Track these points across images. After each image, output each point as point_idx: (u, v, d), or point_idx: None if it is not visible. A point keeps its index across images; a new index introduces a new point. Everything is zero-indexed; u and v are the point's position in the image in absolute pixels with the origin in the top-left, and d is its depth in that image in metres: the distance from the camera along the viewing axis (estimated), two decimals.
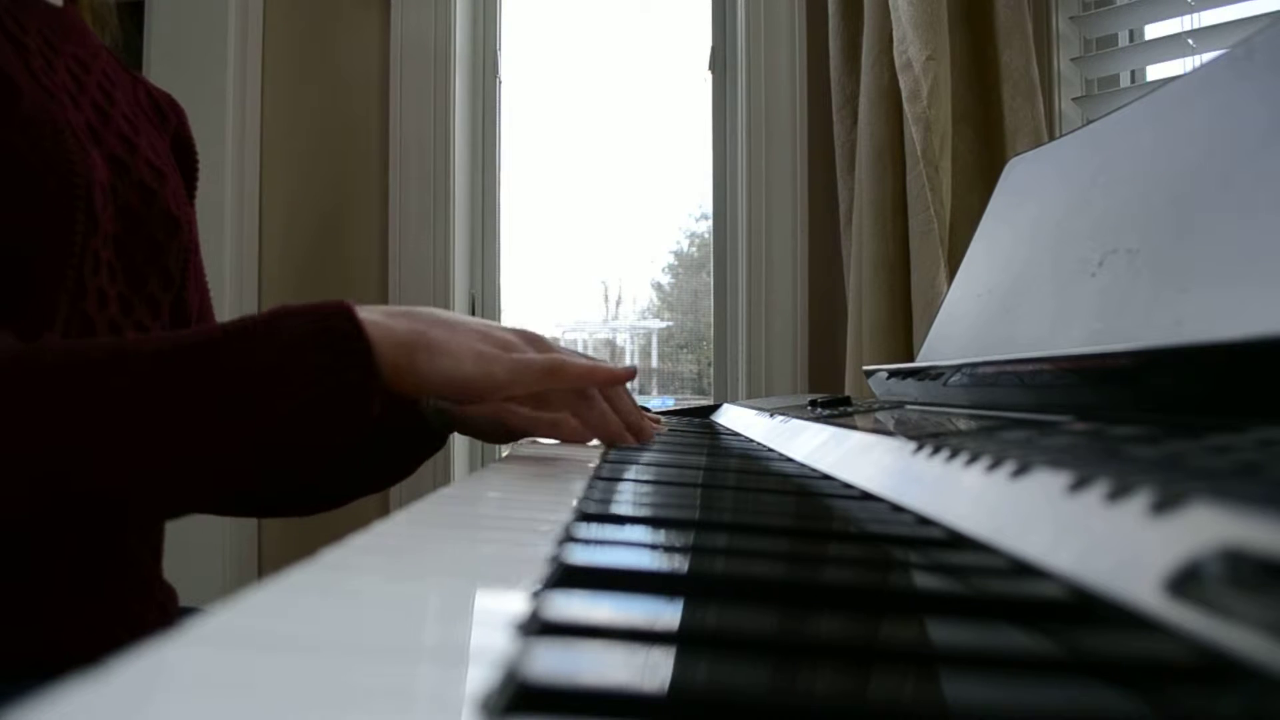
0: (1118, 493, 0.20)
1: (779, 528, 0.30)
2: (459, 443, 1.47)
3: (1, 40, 0.54)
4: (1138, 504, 0.19)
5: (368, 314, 0.44)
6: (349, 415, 0.43)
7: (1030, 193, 0.63)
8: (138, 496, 0.41)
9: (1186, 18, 1.16)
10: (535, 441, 0.77)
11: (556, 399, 0.56)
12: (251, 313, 0.45)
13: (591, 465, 0.49)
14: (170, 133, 0.72)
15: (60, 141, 0.52)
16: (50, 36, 0.59)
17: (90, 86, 0.61)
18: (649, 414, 0.80)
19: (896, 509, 0.32)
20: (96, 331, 0.55)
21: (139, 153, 0.62)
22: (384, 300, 1.47)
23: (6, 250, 0.50)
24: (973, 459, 0.29)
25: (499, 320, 1.59)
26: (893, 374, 0.69)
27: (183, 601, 0.67)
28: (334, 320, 0.43)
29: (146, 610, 0.60)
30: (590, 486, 0.37)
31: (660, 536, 0.26)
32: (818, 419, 0.58)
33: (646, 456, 0.52)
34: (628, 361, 2.07)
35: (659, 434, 0.72)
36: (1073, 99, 1.26)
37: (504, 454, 0.60)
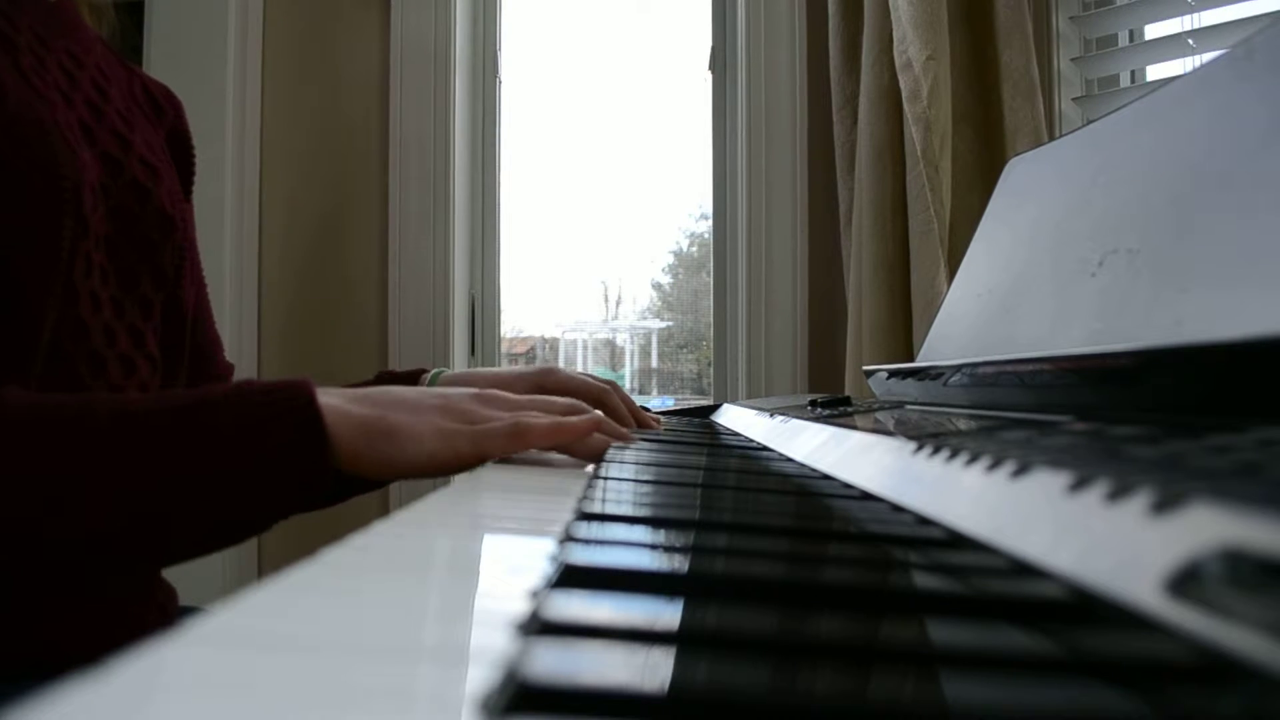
0: (1118, 493, 0.20)
1: (779, 528, 0.30)
2: None
3: None
4: (1138, 504, 0.19)
5: (327, 398, 0.45)
6: (297, 496, 0.44)
7: (1030, 193, 0.63)
8: (88, 555, 0.41)
9: (1186, 18, 1.16)
10: None
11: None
12: (214, 384, 0.45)
13: (591, 465, 0.49)
14: (167, 126, 0.72)
15: (47, 143, 0.52)
16: (42, 32, 0.59)
17: (84, 83, 0.60)
18: (650, 414, 0.80)
19: (896, 509, 0.32)
20: (90, 336, 0.55)
21: (133, 150, 0.61)
22: (384, 301, 1.47)
23: None
24: (973, 459, 0.29)
25: (498, 322, 1.59)
26: (893, 374, 0.69)
27: (183, 601, 0.66)
28: (294, 404, 0.43)
29: (147, 610, 0.60)
30: (590, 486, 0.37)
31: (660, 536, 0.26)
32: (818, 419, 0.58)
33: (647, 457, 0.52)
34: (628, 362, 2.07)
35: (658, 434, 0.72)
36: (1073, 99, 1.26)
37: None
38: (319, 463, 0.43)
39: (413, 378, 0.78)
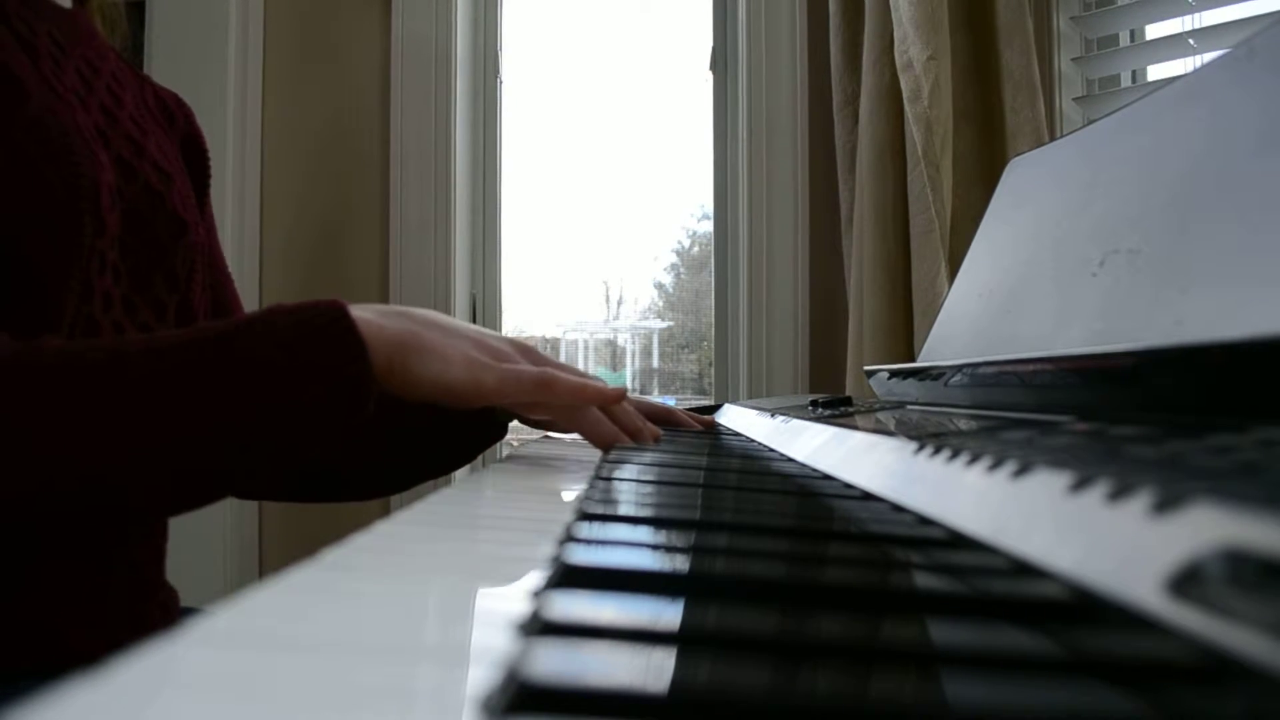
0: (1119, 493, 0.20)
1: (780, 528, 0.30)
2: None
3: (10, 42, 0.54)
4: (1139, 504, 0.19)
5: (360, 312, 0.45)
6: (343, 411, 0.43)
7: (1031, 193, 0.63)
8: (138, 495, 0.41)
9: (1187, 18, 1.16)
10: (548, 437, 0.78)
11: (548, 407, 0.56)
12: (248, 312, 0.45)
13: (592, 465, 0.49)
14: (179, 134, 0.73)
15: (67, 144, 0.53)
16: (59, 38, 0.60)
17: (99, 89, 0.61)
18: (661, 407, 0.81)
19: (897, 509, 0.32)
20: (101, 333, 0.55)
21: (146, 155, 0.62)
22: (385, 301, 1.47)
23: (14, 252, 0.50)
24: (974, 459, 0.29)
25: (500, 322, 1.59)
26: (894, 374, 0.69)
27: (184, 602, 0.67)
28: (328, 318, 0.43)
29: (149, 611, 0.60)
30: (591, 486, 0.37)
31: (661, 536, 0.26)
32: (819, 419, 0.58)
33: (648, 456, 0.52)
34: (629, 362, 2.07)
35: (667, 436, 0.72)
36: (1073, 99, 1.26)
37: (504, 455, 0.60)
38: (361, 376, 0.43)
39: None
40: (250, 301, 1.46)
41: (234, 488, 0.45)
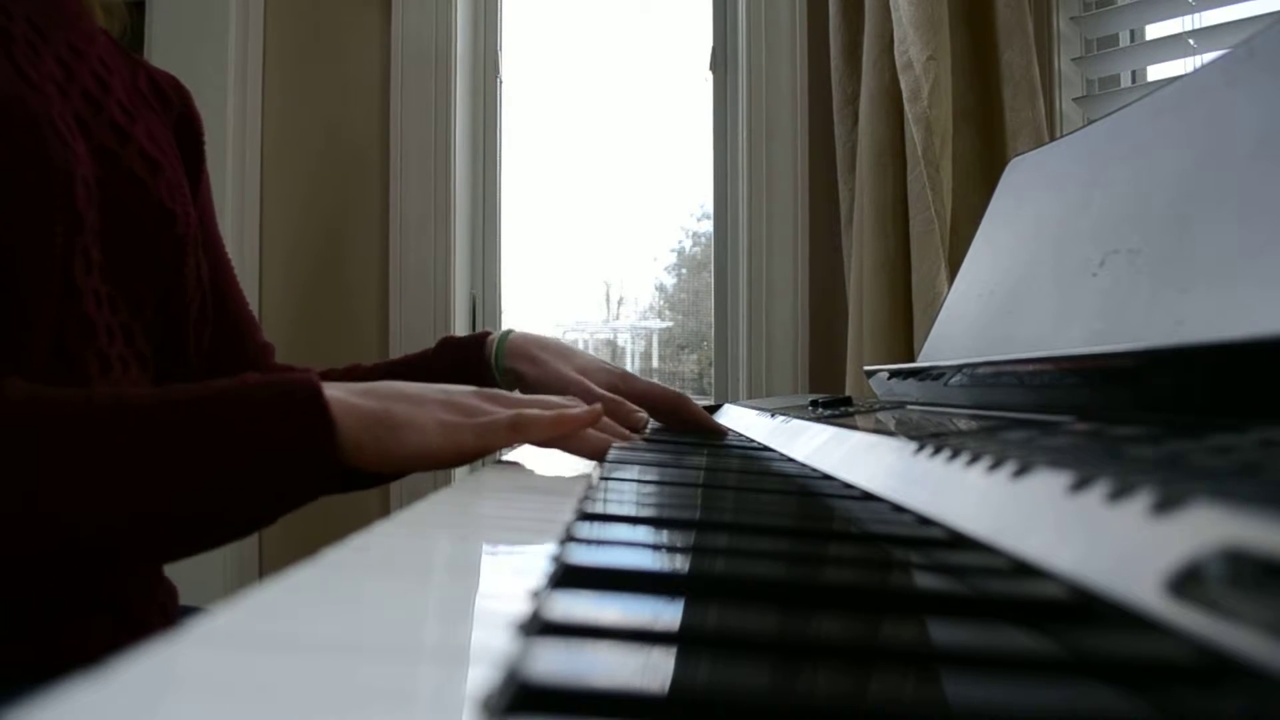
0: (1119, 493, 0.20)
1: (780, 528, 0.30)
2: None
3: None
4: (1139, 504, 0.19)
5: (333, 392, 0.45)
6: (307, 491, 0.44)
7: (1031, 193, 0.63)
8: (92, 551, 0.41)
9: (1187, 18, 1.16)
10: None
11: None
12: (220, 380, 0.45)
13: (594, 465, 0.49)
14: (174, 116, 0.71)
15: (37, 134, 0.51)
16: (40, 23, 0.58)
17: (82, 74, 0.59)
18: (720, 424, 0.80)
19: (898, 509, 0.32)
20: (97, 334, 0.55)
21: (132, 142, 0.60)
22: (385, 301, 1.47)
23: None
24: (974, 459, 0.29)
25: (499, 322, 1.59)
26: (894, 374, 0.69)
27: (184, 600, 0.66)
28: (300, 398, 0.43)
29: (148, 612, 0.60)
30: (591, 486, 0.37)
31: (661, 536, 0.26)
32: (819, 419, 0.58)
33: (648, 456, 0.52)
34: (629, 362, 2.07)
35: (659, 435, 0.72)
36: (1073, 99, 1.26)
37: (504, 455, 0.60)
38: (327, 457, 0.43)
39: (478, 342, 0.78)
40: (250, 302, 1.46)
41: (193, 550, 0.45)
